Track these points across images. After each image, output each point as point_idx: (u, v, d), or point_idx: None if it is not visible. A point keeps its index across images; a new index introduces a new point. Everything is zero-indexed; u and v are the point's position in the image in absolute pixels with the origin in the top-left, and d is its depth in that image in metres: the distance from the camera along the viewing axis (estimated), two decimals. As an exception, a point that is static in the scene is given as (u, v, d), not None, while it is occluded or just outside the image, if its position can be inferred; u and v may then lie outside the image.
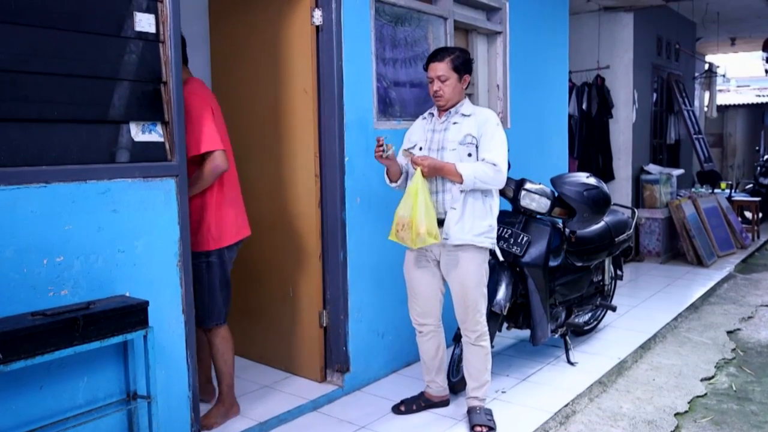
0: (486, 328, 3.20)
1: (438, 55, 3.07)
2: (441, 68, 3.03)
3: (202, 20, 4.03)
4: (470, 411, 3.21)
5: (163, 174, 2.68)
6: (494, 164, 2.95)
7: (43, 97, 2.34)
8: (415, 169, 2.95)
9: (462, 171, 2.93)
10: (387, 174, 3.19)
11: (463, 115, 3.08)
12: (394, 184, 3.20)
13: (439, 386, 3.39)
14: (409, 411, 3.35)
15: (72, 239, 2.39)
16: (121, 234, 2.54)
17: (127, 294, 2.55)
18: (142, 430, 2.58)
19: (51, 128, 2.36)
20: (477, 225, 3.04)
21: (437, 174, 2.99)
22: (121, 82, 2.54)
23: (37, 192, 2.29)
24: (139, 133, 2.61)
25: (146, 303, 2.46)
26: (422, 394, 3.42)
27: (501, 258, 3.46)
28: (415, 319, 3.29)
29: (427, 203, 2.91)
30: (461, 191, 3.00)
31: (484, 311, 3.18)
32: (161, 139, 2.69)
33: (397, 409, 3.37)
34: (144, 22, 2.61)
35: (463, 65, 3.07)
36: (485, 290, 3.18)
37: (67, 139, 2.40)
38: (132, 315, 2.40)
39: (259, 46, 3.67)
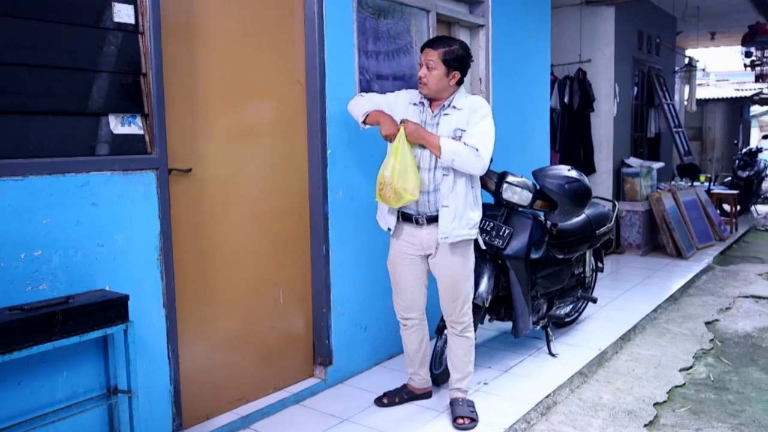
0: (471, 320, 3.23)
1: (435, 42, 3.04)
2: (432, 55, 2.99)
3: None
4: (453, 402, 3.23)
5: (143, 167, 2.65)
6: (476, 149, 2.94)
7: (20, 88, 2.30)
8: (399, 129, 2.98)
9: (442, 145, 2.92)
10: (364, 117, 3.18)
11: (455, 107, 3.04)
12: (366, 126, 3.22)
13: (422, 378, 3.41)
14: (392, 403, 3.36)
15: (50, 233, 2.36)
16: (100, 227, 2.52)
17: (107, 288, 2.52)
18: (122, 425, 2.56)
19: (28, 120, 2.33)
20: (470, 218, 3.06)
21: (419, 141, 2.98)
22: (100, 74, 2.51)
23: (14, 185, 2.26)
24: (119, 125, 2.58)
25: (126, 297, 2.44)
26: (405, 386, 3.43)
27: (483, 246, 3.49)
28: (400, 313, 3.30)
29: (405, 162, 2.92)
30: (443, 174, 2.99)
31: (469, 302, 3.21)
32: (141, 132, 2.66)
33: (380, 402, 3.38)
34: (123, 13, 2.58)
35: (455, 61, 2.99)
36: (471, 283, 3.21)
37: (45, 132, 2.37)
38: (112, 309, 2.38)
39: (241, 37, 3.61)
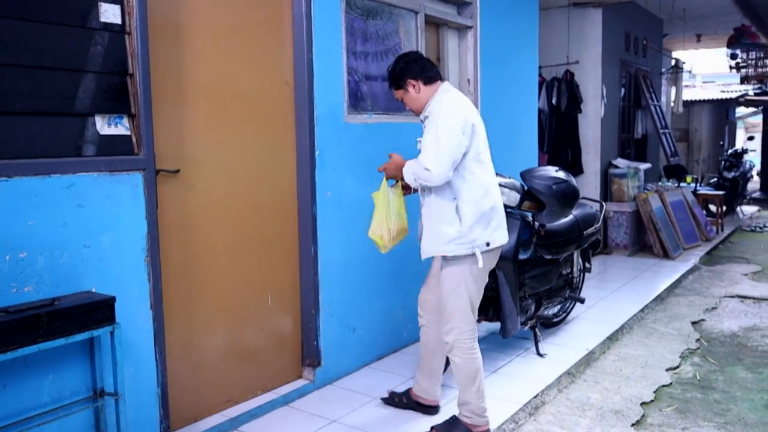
0: (463, 344, 2.93)
1: (388, 80, 3.08)
2: (396, 92, 3.05)
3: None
4: (453, 416, 3.08)
5: (130, 168, 2.64)
6: (424, 165, 2.77)
7: (6, 88, 2.28)
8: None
9: (404, 170, 2.92)
10: None
11: (427, 116, 2.95)
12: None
13: (421, 388, 3.26)
14: (391, 402, 3.31)
15: (36, 234, 2.34)
16: (86, 229, 2.50)
17: (94, 290, 2.51)
18: (109, 427, 2.55)
19: (14, 121, 2.31)
20: (443, 233, 2.86)
21: (400, 176, 2.99)
22: (86, 74, 2.50)
23: (-2, 186, 2.24)
24: (105, 126, 2.56)
25: (113, 299, 2.43)
26: (409, 390, 3.35)
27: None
28: (418, 304, 3.26)
29: (382, 211, 3.00)
30: (424, 200, 2.99)
31: (460, 322, 2.92)
32: (128, 133, 2.65)
33: (385, 399, 3.34)
34: (109, 13, 2.56)
35: (400, 76, 2.96)
36: (462, 301, 2.92)
37: (31, 132, 2.35)
38: (98, 311, 2.37)
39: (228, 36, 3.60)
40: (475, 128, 2.89)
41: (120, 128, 2.63)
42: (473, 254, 2.87)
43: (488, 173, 2.95)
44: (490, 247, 2.90)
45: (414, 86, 2.97)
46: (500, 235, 2.96)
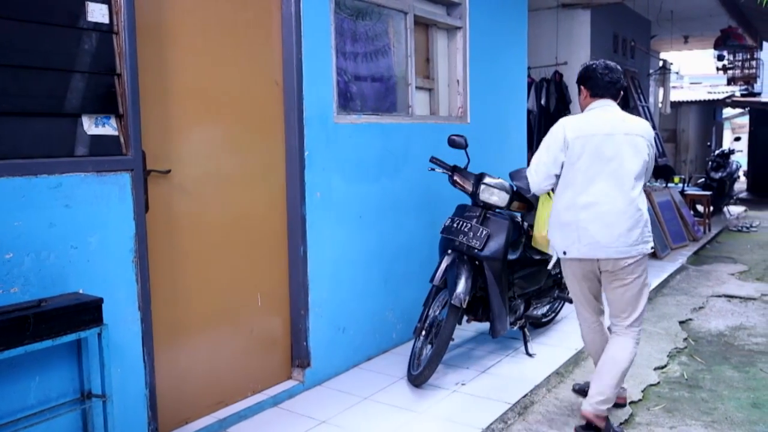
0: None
1: None
2: None
3: None
4: None
5: (118, 168, 2.62)
6: (527, 174, 3.27)
7: (-9, 88, 2.27)
8: None
9: None
10: None
11: None
12: None
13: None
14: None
15: (22, 235, 2.32)
16: (74, 229, 2.48)
17: (81, 291, 2.49)
18: (97, 429, 2.53)
19: (0, 121, 2.29)
20: None
21: None
22: (74, 74, 2.48)
23: (-16, 187, 2.22)
24: (92, 126, 2.55)
25: (100, 300, 2.41)
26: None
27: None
28: None
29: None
30: None
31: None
32: (115, 133, 2.63)
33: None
34: (97, 13, 2.55)
35: (578, 80, 3.21)
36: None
37: (18, 132, 2.33)
38: (86, 312, 2.35)
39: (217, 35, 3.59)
40: (570, 144, 3.03)
41: (107, 128, 2.61)
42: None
43: (578, 189, 3.02)
44: (567, 256, 3.10)
45: (582, 92, 3.20)
46: (578, 249, 3.06)
